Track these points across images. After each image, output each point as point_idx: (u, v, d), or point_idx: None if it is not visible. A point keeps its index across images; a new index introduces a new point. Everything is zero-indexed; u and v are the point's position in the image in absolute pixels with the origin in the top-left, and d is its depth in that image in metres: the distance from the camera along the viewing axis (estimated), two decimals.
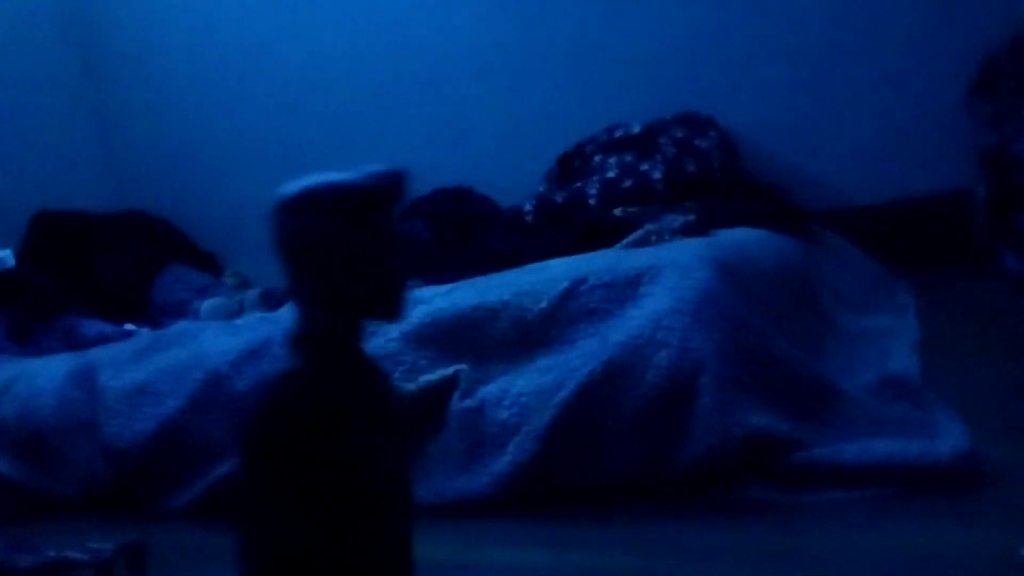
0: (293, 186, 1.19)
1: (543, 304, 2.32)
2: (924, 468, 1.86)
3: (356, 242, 1.16)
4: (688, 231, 3.12)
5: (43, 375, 3.04)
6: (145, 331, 3.81)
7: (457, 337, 2.39)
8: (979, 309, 3.08)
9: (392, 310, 1.21)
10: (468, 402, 2.27)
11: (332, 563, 1.11)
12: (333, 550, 1.11)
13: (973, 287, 3.27)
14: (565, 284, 2.34)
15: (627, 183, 3.81)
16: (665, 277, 2.25)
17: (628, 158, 3.99)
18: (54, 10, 5.09)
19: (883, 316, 3.13)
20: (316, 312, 1.18)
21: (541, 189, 4.11)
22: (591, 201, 3.82)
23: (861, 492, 1.89)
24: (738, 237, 2.85)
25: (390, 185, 1.19)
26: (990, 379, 2.42)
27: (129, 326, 4.05)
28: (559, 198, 3.90)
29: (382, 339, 2.45)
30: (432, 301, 2.52)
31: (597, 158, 4.10)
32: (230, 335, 2.86)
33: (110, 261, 4.57)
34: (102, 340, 3.71)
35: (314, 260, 1.16)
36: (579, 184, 3.95)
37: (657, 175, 3.78)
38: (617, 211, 3.63)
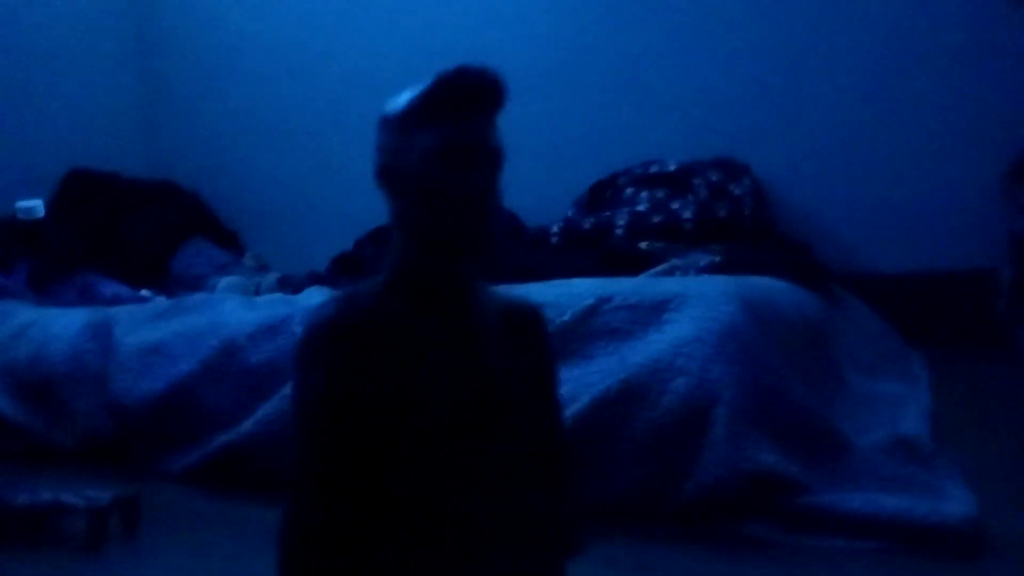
0: (394, 100, 1.08)
1: (566, 317, 2.32)
2: (930, 527, 1.86)
3: (433, 158, 1.01)
4: (713, 271, 3.13)
5: (59, 323, 3.05)
6: (161, 299, 3.82)
7: None
8: (993, 387, 3.08)
9: (475, 241, 1.03)
10: None
11: (367, 490, 1.03)
12: (365, 475, 1.03)
13: (989, 367, 3.26)
14: (590, 300, 2.34)
15: (656, 218, 3.82)
16: (691, 306, 2.26)
17: (660, 194, 4.00)
18: None
19: (895, 383, 3.12)
20: (402, 241, 1.08)
21: (569, 213, 4.13)
22: (618, 231, 3.83)
23: (863, 543, 1.88)
24: (763, 283, 2.86)
25: (469, 83, 0.99)
26: (999, 453, 2.41)
27: (146, 292, 4.06)
28: (586, 224, 3.91)
29: None
30: None
31: (629, 190, 4.11)
32: (250, 309, 2.87)
33: (134, 226, 4.60)
34: (116, 301, 3.72)
35: (398, 181, 1.06)
36: (608, 213, 3.96)
37: (687, 214, 3.78)
38: (643, 244, 3.64)
